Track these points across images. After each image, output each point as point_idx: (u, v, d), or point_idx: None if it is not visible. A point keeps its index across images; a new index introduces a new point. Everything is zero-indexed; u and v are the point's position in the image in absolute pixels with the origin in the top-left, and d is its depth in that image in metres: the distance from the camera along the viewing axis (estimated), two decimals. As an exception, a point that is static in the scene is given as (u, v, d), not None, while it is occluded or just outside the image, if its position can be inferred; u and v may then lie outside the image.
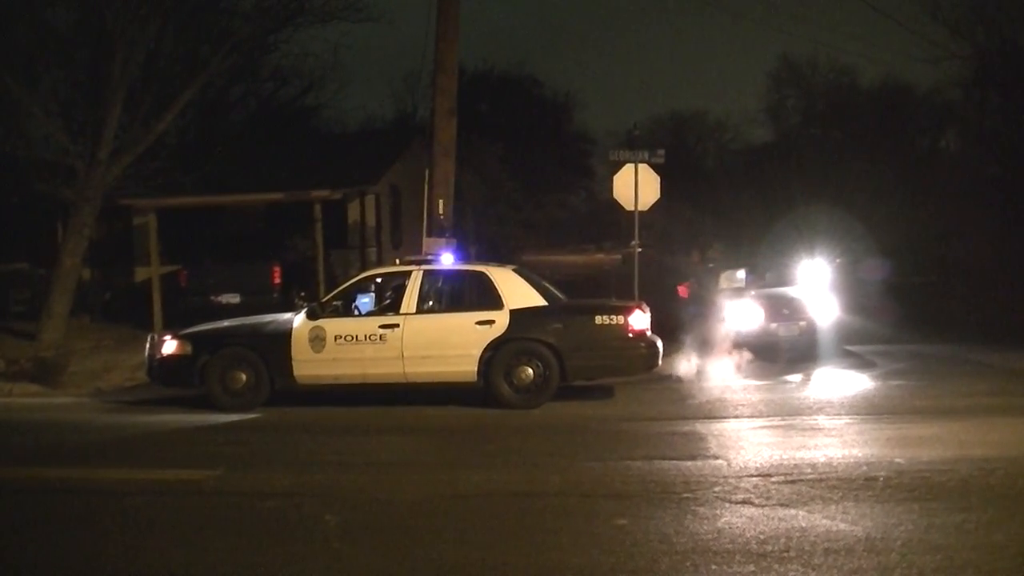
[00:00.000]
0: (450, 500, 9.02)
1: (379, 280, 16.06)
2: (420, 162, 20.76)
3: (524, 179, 40.91)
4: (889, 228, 35.81)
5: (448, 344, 14.34)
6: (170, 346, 14.96)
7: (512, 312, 14.34)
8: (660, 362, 15.19)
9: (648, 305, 15.27)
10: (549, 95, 57.41)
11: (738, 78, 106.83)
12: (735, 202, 45.67)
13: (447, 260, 15.73)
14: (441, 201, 19.53)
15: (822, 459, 10.18)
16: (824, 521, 7.80)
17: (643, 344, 14.57)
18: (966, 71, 36.56)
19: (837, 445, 11.08)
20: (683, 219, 40.10)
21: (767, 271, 22.96)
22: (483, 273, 15.04)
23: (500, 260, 16.51)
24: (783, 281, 22.06)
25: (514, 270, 15.35)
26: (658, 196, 20.35)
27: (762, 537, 7.41)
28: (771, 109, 55.05)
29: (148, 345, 15.50)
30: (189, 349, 14.82)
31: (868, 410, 13.74)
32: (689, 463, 10.18)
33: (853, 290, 27.03)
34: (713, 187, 50.01)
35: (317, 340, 14.41)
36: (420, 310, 14.62)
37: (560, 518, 8.21)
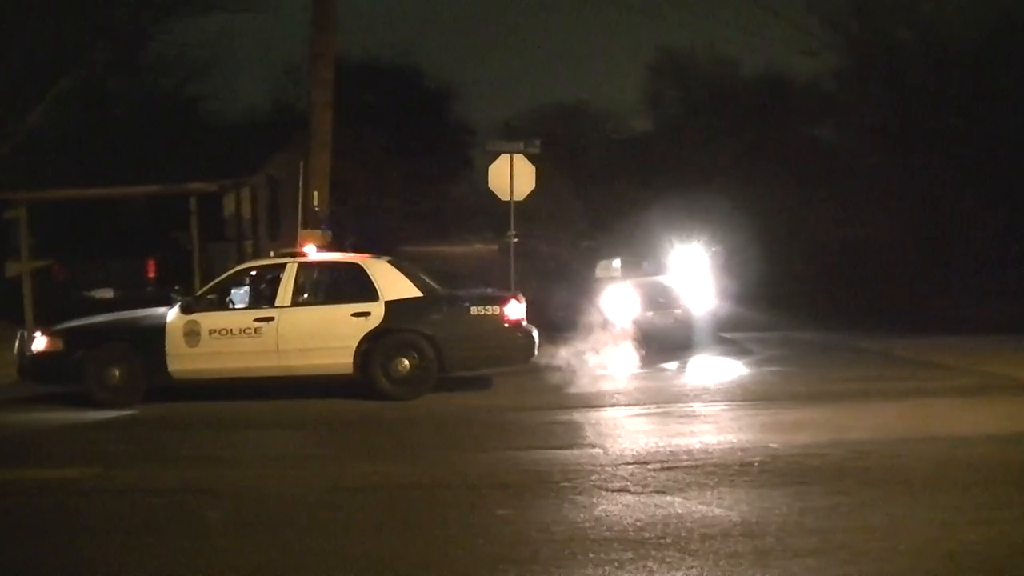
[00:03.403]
0: (333, 493, 9.00)
1: (254, 273, 15.86)
2: (301, 154, 20.60)
3: (407, 170, 40.80)
4: (771, 217, 36.37)
5: (324, 336, 14.26)
6: (42, 342, 14.63)
7: (388, 304, 14.31)
8: (537, 352, 15.30)
9: (525, 295, 15.40)
10: (431, 86, 57.24)
11: (620, 68, 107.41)
12: (615, 191, 45.93)
13: (312, 252, 15.64)
14: (316, 193, 19.41)
15: (698, 446, 10.34)
16: (700, 507, 7.92)
17: (520, 334, 14.68)
18: (843, 62, 37.37)
19: (713, 432, 11.27)
20: (567, 208, 40.23)
21: (644, 260, 23.19)
22: (358, 265, 14.98)
23: (379, 252, 16.44)
24: (661, 270, 22.31)
25: (389, 261, 15.30)
26: (534, 186, 20.32)
27: (639, 524, 7.49)
28: (651, 99, 55.40)
29: (18, 342, 15.14)
30: (62, 345, 14.50)
31: (743, 396, 14.01)
32: (567, 452, 10.28)
33: (729, 278, 27.46)
34: (595, 177, 50.24)
35: (192, 334, 14.21)
36: (295, 303, 14.51)
37: (444, 509, 8.24)
